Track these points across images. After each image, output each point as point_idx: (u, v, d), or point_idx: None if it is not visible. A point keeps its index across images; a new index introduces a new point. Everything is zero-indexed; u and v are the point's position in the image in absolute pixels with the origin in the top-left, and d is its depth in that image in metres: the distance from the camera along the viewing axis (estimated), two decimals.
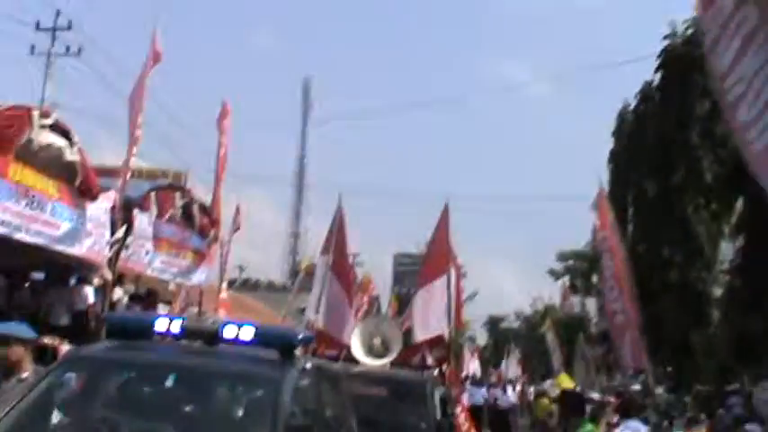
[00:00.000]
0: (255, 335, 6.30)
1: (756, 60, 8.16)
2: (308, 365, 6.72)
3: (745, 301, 12.73)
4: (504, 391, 36.41)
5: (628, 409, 18.83)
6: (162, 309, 15.76)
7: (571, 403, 14.83)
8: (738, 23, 8.43)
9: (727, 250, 20.96)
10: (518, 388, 38.34)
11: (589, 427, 7.76)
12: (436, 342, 12.86)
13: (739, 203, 15.73)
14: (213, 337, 6.24)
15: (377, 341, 11.64)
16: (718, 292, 21.37)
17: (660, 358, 22.27)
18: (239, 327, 6.29)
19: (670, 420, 16.67)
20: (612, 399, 24.47)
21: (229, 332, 6.29)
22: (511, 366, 45.29)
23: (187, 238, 14.30)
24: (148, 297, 14.18)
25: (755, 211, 11.28)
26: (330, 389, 7.37)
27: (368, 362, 11.42)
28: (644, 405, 12.74)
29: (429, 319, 13.01)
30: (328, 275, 12.30)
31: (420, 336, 12.67)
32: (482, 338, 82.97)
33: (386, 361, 11.52)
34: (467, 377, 37.31)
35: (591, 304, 38.01)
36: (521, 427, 36.48)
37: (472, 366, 41.58)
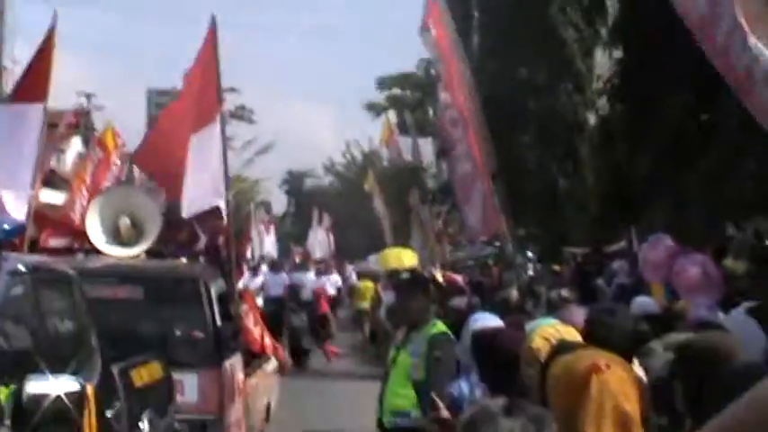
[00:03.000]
0: None
1: None
2: (21, 266, 6.68)
3: (624, 133, 13.18)
4: (319, 274, 37.25)
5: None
6: None
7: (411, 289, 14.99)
8: None
9: (605, 64, 21.68)
10: (334, 271, 39.23)
11: (439, 326, 7.99)
12: (210, 215, 12.83)
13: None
14: None
15: (124, 222, 11.51)
16: (592, 121, 22.21)
17: (521, 217, 23.10)
18: None
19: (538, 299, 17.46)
20: (460, 278, 25.41)
21: None
22: (319, 241, 46.03)
23: None
24: None
25: (632, 6, 11.58)
26: (57, 296, 7.35)
27: (114, 252, 11.32)
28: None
29: (201, 183, 12.98)
30: (42, 130, 11.93)
31: (190, 209, 12.59)
32: (280, 205, 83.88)
33: (139, 250, 11.45)
34: (260, 260, 37.80)
35: (427, 147, 38.71)
36: (339, 320, 37.56)
37: (267, 244, 42.08)
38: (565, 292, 12.35)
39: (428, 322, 7.88)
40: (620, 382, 3.83)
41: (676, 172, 10.29)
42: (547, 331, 6.00)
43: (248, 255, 38.77)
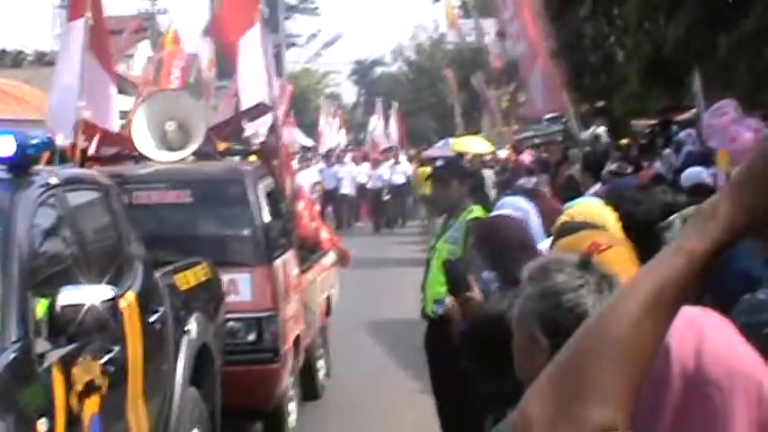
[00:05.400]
0: None
1: None
2: (53, 180, 6.71)
3: None
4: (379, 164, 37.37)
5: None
6: None
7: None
8: None
9: None
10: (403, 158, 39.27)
11: (476, 211, 8.03)
12: (256, 111, 12.82)
13: None
14: None
15: (171, 126, 11.49)
16: None
17: (584, 93, 22.81)
18: None
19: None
20: (528, 157, 25.31)
21: None
22: (388, 131, 45.71)
23: None
24: None
25: None
26: (92, 206, 7.38)
27: (161, 158, 11.33)
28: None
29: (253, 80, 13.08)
30: (87, 42, 11.91)
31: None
32: (351, 95, 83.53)
33: (187, 153, 11.43)
34: (328, 153, 37.81)
35: (490, 28, 38.24)
36: (407, 208, 37.75)
37: (333, 136, 41.73)
38: (614, 167, 12.23)
39: (464, 209, 7.92)
40: (621, 261, 3.79)
41: (712, 36, 10.05)
42: (575, 210, 5.94)
43: (322, 148, 38.84)
